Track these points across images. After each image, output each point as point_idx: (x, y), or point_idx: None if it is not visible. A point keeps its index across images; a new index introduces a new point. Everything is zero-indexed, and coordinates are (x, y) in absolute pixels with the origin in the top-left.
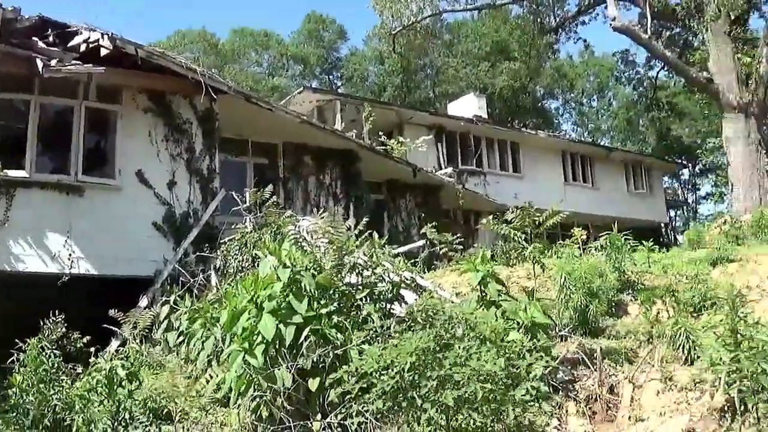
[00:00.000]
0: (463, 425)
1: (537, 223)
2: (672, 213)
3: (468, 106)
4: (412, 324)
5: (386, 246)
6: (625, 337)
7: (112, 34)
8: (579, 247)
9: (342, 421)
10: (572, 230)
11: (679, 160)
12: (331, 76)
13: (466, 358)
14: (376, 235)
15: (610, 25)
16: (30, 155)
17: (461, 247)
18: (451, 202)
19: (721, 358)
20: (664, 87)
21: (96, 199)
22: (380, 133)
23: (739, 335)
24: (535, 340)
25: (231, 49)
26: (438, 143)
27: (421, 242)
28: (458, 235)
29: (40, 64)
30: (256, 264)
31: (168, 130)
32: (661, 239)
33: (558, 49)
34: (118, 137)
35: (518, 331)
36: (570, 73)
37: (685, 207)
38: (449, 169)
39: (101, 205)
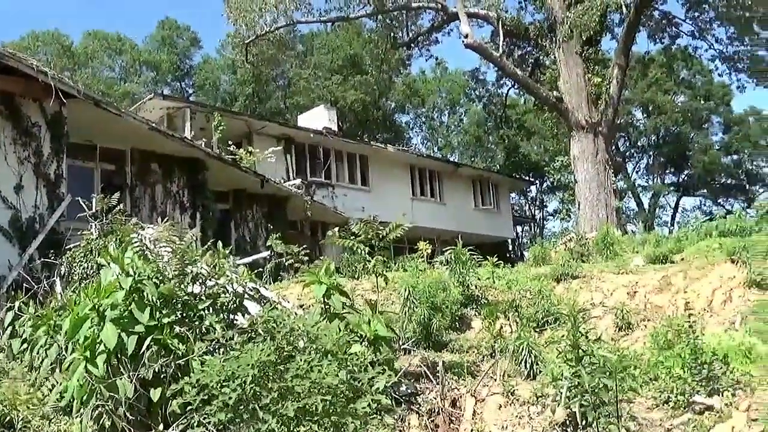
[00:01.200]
0: None
1: (381, 236)
2: (519, 229)
3: (318, 118)
4: (254, 335)
5: (231, 256)
6: (468, 351)
7: None
8: (424, 261)
9: None
10: (418, 244)
11: (527, 178)
12: (183, 84)
13: (307, 370)
14: (220, 245)
15: (463, 42)
16: None
17: (307, 258)
18: (299, 213)
19: (562, 373)
20: (514, 105)
21: None
22: (230, 142)
23: (580, 351)
24: (378, 353)
25: (84, 52)
26: (287, 154)
27: (266, 253)
28: (304, 246)
29: None
30: (100, 271)
31: (16, 133)
32: (508, 255)
33: (410, 63)
34: None
35: (361, 344)
36: (422, 88)
37: (532, 223)
38: (297, 181)
39: None
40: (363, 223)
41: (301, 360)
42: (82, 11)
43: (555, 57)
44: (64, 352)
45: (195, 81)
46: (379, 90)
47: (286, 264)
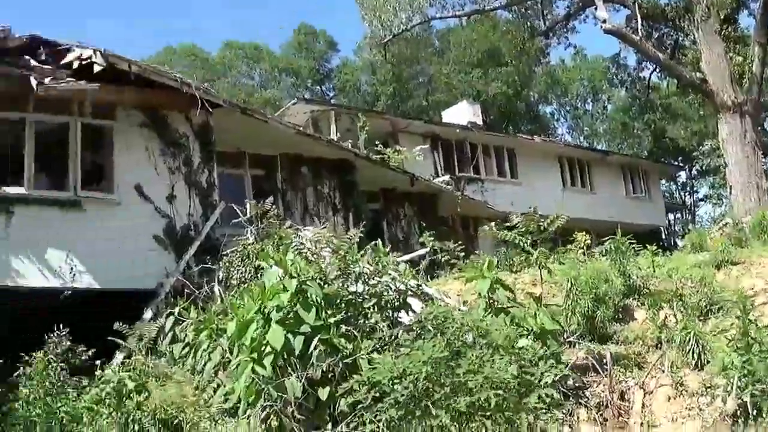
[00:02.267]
0: None
1: (541, 228)
2: (671, 216)
3: (462, 114)
4: (422, 332)
5: (391, 254)
6: (633, 343)
7: (104, 50)
8: (583, 252)
9: (352, 430)
10: (573, 235)
11: (676, 163)
12: (323, 87)
13: (479, 365)
14: (380, 244)
15: (601, 27)
16: (27, 172)
17: (462, 254)
18: (449, 209)
19: (732, 363)
20: (658, 89)
21: (96, 214)
22: (376, 142)
23: (750, 339)
24: (545, 346)
25: (221, 63)
26: (434, 151)
27: (425, 250)
28: (459, 242)
29: (34, 82)
30: (258, 275)
31: (165, 144)
32: (661, 243)
33: (549, 53)
34: (116, 152)
35: (527, 338)
36: (563, 77)
37: (683, 210)
38: (446, 177)
39: (101, 220)
40: (524, 216)
41: (472, 355)
42: (216, 25)
43: (694, 37)
44: (227, 355)
45: (335, 84)
46: (521, 81)
47: (442, 260)
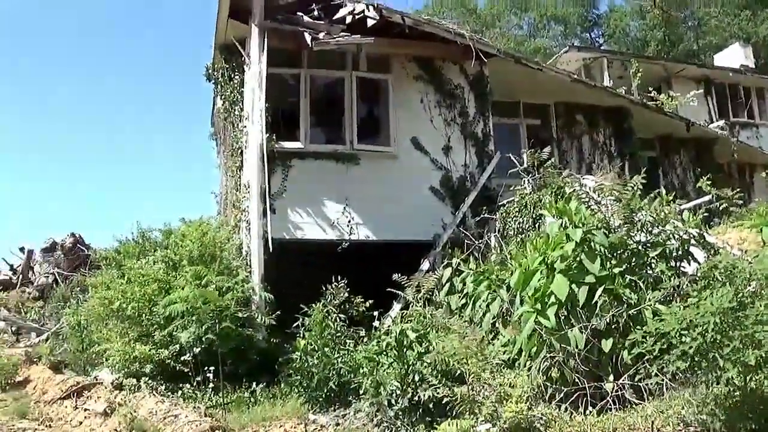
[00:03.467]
0: (759, 386)
1: None
2: None
3: (734, 57)
4: (710, 282)
5: (674, 202)
6: None
7: (377, 4)
8: None
9: (636, 383)
10: None
11: None
12: (592, 34)
13: None
14: (663, 192)
15: None
16: (303, 127)
17: (741, 202)
18: (725, 156)
19: None
20: None
21: (372, 167)
22: (649, 88)
23: None
24: None
25: (490, 12)
26: (707, 96)
27: (707, 197)
28: (736, 189)
29: (308, 37)
30: (536, 225)
31: (439, 96)
32: None
33: None
34: (391, 105)
35: None
36: None
37: None
38: (721, 122)
39: (377, 173)
40: None
41: (760, 305)
42: None
43: None
44: (507, 306)
45: (604, 31)
46: None
47: (719, 208)
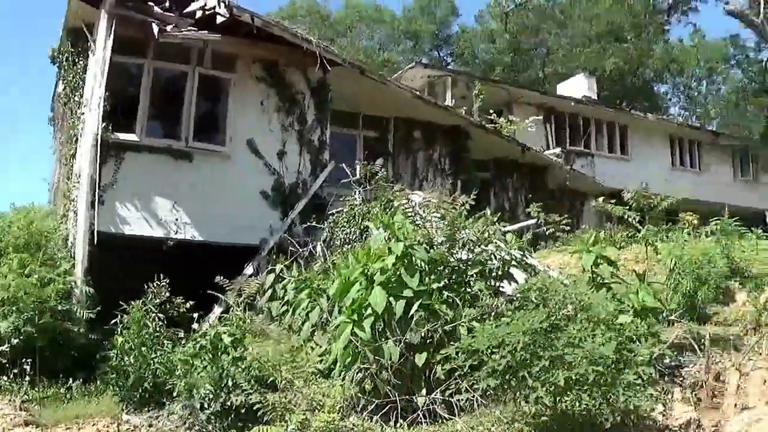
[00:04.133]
0: (569, 406)
1: (651, 206)
2: None
3: (577, 87)
4: (524, 303)
5: (497, 223)
6: (732, 325)
7: (228, 2)
8: (689, 232)
9: (447, 398)
10: (678, 215)
11: None
12: (441, 53)
13: (579, 339)
14: (488, 212)
15: (723, 8)
16: (141, 120)
17: (568, 227)
18: (558, 182)
19: None
20: None
21: (205, 166)
22: (490, 111)
23: None
24: (645, 324)
25: (342, 22)
26: (546, 123)
27: (531, 221)
28: (564, 215)
29: (155, 28)
30: (364, 237)
31: (280, 100)
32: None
33: (669, 30)
34: (230, 105)
35: (628, 314)
36: (680, 56)
37: None
38: (557, 150)
39: (210, 172)
40: (635, 192)
41: (573, 329)
42: None
43: None
44: (326, 315)
45: (453, 50)
46: (637, 58)
47: (546, 233)
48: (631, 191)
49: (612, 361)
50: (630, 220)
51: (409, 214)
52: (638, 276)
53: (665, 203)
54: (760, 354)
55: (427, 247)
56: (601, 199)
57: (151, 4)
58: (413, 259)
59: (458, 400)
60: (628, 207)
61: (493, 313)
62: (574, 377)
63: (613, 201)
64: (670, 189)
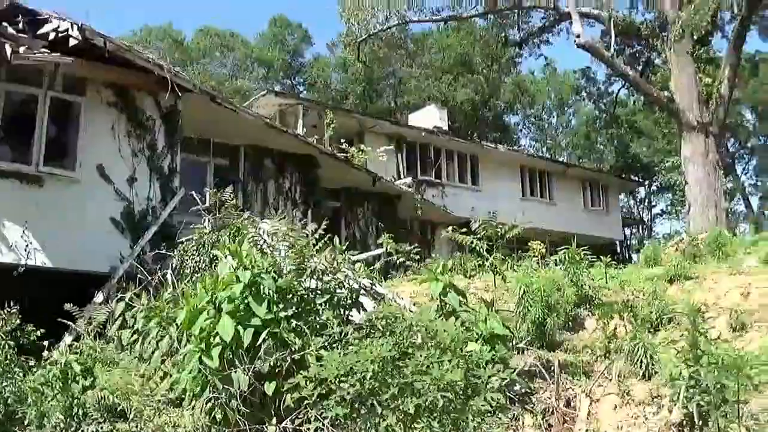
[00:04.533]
0: None
1: (498, 234)
2: (627, 231)
3: (429, 118)
4: (372, 331)
5: (346, 252)
6: (582, 351)
7: (81, 24)
8: (537, 261)
9: (298, 427)
10: (529, 244)
11: (636, 179)
12: (294, 81)
13: (428, 366)
14: (336, 241)
15: (575, 41)
16: None
17: (418, 257)
18: (409, 212)
19: (680, 373)
20: (625, 105)
21: (55, 191)
22: (341, 140)
23: (699, 350)
24: (493, 351)
25: (196, 47)
26: (398, 153)
27: (380, 250)
28: (415, 245)
29: (8, 50)
30: (213, 265)
31: (131, 125)
32: (617, 257)
33: (520, 62)
34: (81, 130)
35: (477, 341)
36: (531, 88)
37: (640, 225)
38: (408, 179)
39: (60, 198)
40: (482, 221)
41: (420, 356)
42: (195, 9)
43: (666, 56)
44: (176, 344)
45: (306, 79)
46: (489, 90)
47: (397, 262)
48: (479, 220)
49: (461, 388)
50: (478, 248)
51: (258, 242)
52: (486, 304)
53: (513, 232)
54: (610, 380)
55: (276, 276)
56: (450, 228)
57: (5, 24)
58: (261, 287)
59: (307, 429)
60: (476, 236)
61: (345, 342)
62: (423, 404)
63: (463, 230)
64: (521, 219)
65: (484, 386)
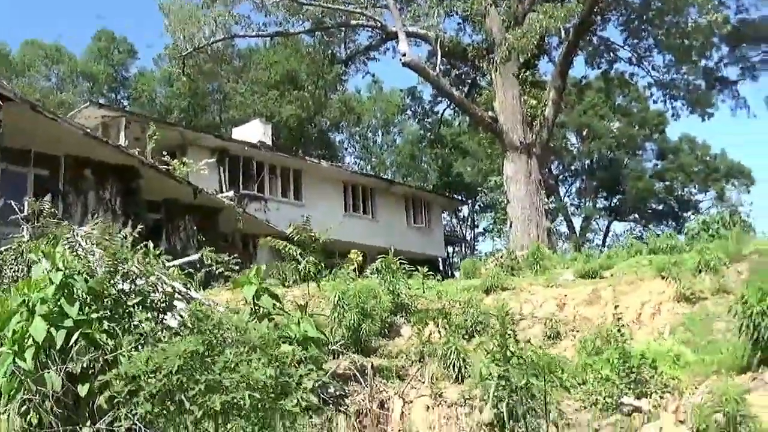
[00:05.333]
0: (234, 430)
1: (314, 238)
2: (450, 249)
3: (253, 132)
4: (182, 329)
5: (161, 257)
6: (397, 356)
7: None
8: (355, 270)
9: (110, 427)
10: (349, 255)
11: (460, 197)
12: (118, 95)
13: (236, 364)
14: (151, 245)
15: (401, 60)
16: None
17: (238, 268)
18: (231, 225)
19: (490, 373)
20: (450, 125)
21: None
22: (164, 152)
23: (508, 351)
24: (306, 353)
25: (22, 60)
26: (221, 167)
27: (196, 256)
28: (235, 256)
29: None
30: (31, 273)
31: None
32: (439, 273)
33: (347, 81)
34: None
35: (290, 344)
36: (357, 106)
37: (463, 243)
38: (230, 193)
39: None
40: (296, 226)
41: (230, 354)
42: (22, 20)
43: (492, 78)
44: None
45: (131, 93)
46: (315, 107)
47: (217, 273)
48: (294, 226)
49: (271, 386)
50: (292, 253)
51: (73, 246)
52: (300, 308)
53: (325, 236)
54: (423, 383)
55: (88, 278)
56: (269, 237)
57: None
58: (74, 289)
59: (118, 428)
60: (291, 242)
61: (152, 341)
62: (231, 402)
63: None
64: (344, 234)
65: (295, 386)
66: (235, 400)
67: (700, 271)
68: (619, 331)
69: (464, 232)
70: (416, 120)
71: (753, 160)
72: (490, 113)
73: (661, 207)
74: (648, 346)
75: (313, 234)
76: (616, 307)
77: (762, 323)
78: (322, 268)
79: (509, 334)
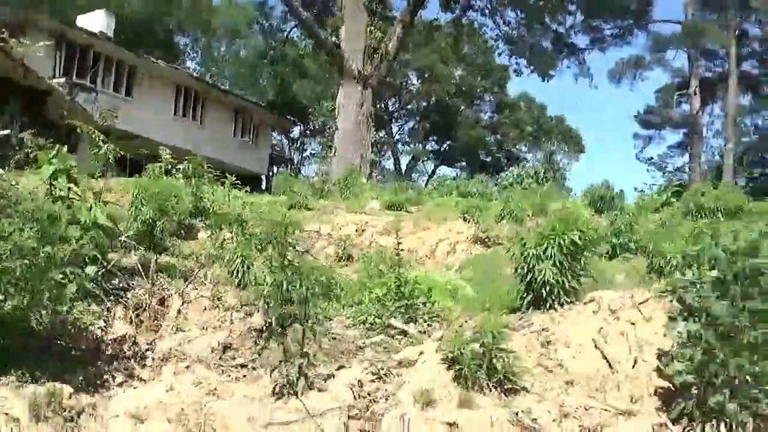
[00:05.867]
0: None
1: (116, 121)
2: (275, 168)
3: (97, 22)
4: None
5: None
6: (188, 258)
7: None
8: (162, 169)
9: None
10: (162, 155)
11: (292, 118)
12: None
13: (10, 233)
14: None
15: None
16: None
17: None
18: (58, 113)
19: (265, 279)
20: (296, 45)
21: None
22: (2, 30)
23: (286, 260)
24: (94, 240)
25: None
26: (57, 51)
27: (4, 132)
28: (52, 140)
29: None
30: None
31: None
32: (259, 189)
33: None
34: None
35: (77, 227)
36: (206, 14)
37: (289, 164)
38: (62, 80)
39: None
40: (102, 111)
41: (6, 222)
42: None
43: (342, 3)
44: None
45: None
46: (163, 5)
47: (32, 157)
48: (100, 110)
49: (42, 259)
50: (95, 137)
51: None
52: (96, 195)
53: (111, 118)
54: (205, 285)
55: None
56: (83, 124)
57: None
58: None
59: None
60: (95, 126)
61: None
62: (4, 269)
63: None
64: (169, 137)
65: (61, 262)
66: (6, 269)
67: (503, 218)
68: (398, 255)
69: (292, 154)
70: (262, 35)
71: (587, 129)
72: (334, 39)
73: (489, 159)
74: (426, 275)
75: (117, 120)
76: (399, 240)
77: (536, 266)
78: (127, 160)
79: (291, 245)
